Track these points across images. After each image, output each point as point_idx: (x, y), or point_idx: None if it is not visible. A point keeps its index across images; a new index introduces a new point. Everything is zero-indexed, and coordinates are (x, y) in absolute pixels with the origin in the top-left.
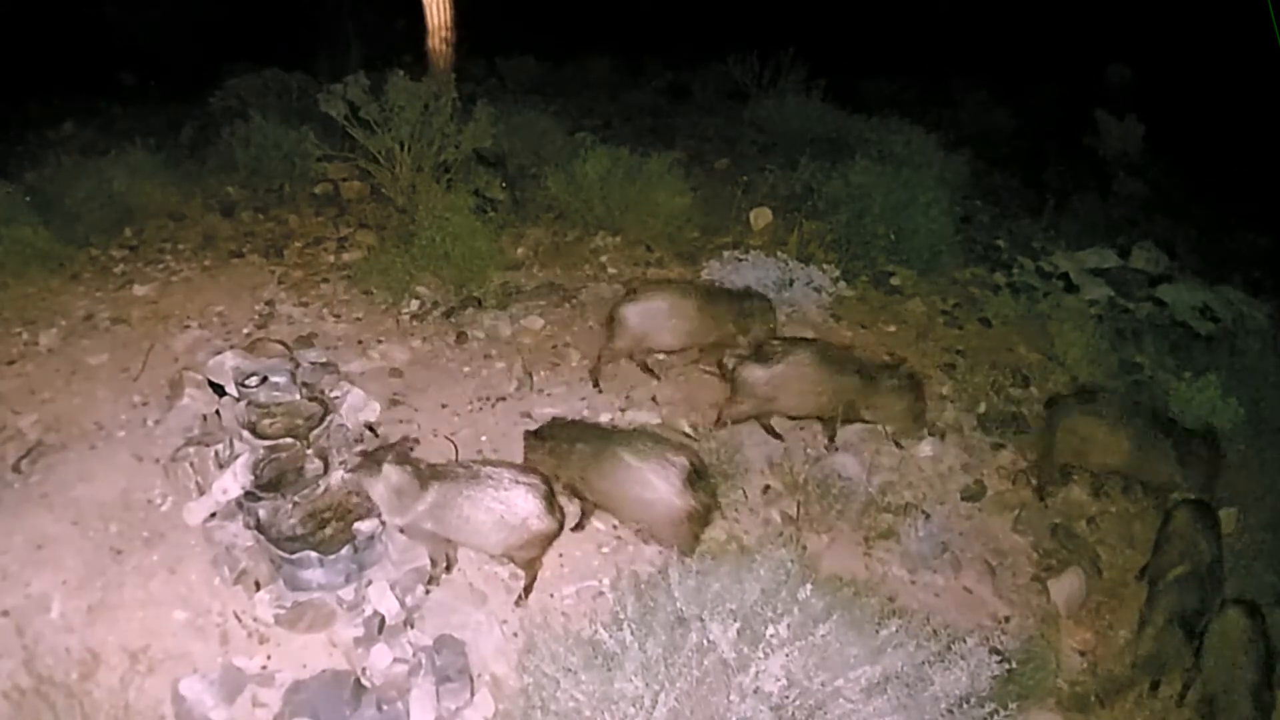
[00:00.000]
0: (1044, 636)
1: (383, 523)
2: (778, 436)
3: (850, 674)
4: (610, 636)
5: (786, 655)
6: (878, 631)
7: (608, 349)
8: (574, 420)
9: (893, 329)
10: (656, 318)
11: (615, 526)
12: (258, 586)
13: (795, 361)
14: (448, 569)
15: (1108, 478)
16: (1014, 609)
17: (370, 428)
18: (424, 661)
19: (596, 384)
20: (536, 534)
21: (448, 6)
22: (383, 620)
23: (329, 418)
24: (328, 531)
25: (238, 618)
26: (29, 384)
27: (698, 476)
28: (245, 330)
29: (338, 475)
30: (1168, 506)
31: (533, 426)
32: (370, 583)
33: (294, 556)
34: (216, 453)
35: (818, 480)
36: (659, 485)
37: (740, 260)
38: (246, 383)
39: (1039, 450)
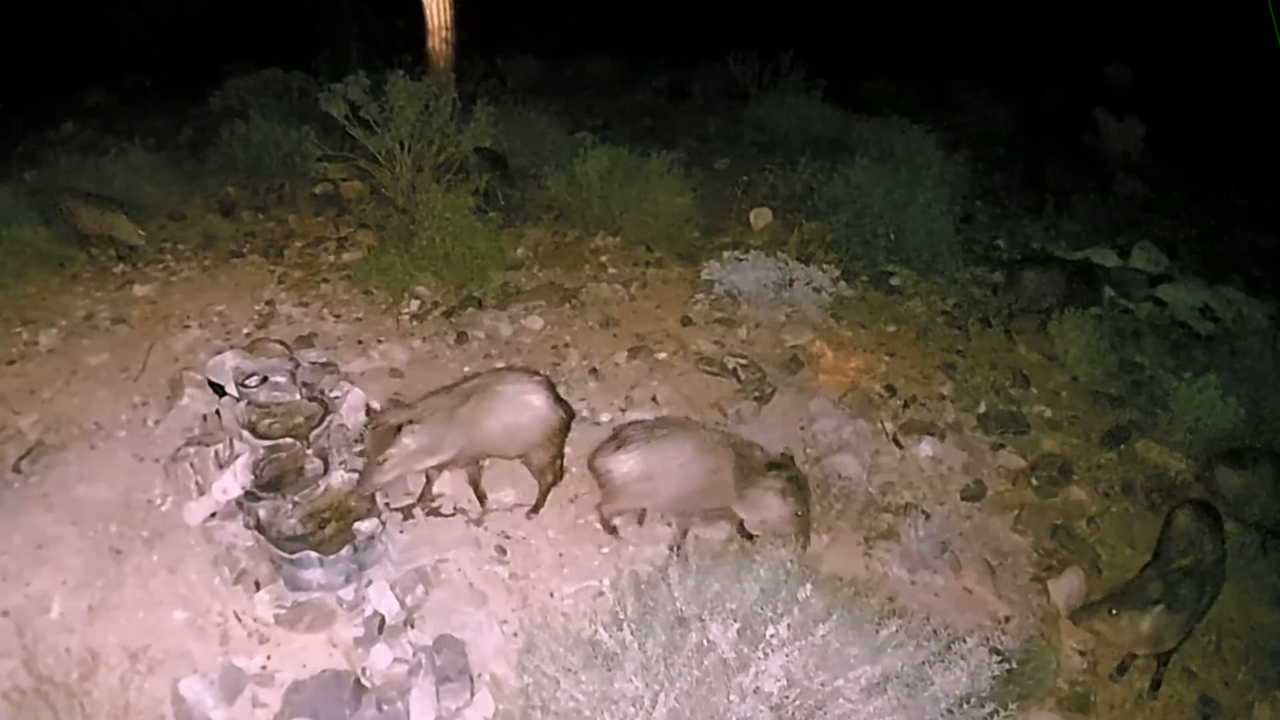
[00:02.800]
0: (1044, 636)
1: (383, 523)
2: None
3: (850, 674)
4: (610, 636)
5: (786, 655)
6: (878, 631)
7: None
8: (418, 400)
9: (893, 329)
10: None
11: (615, 526)
12: (258, 586)
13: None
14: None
15: None
16: (1014, 609)
17: None
18: (424, 661)
19: None
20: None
21: (448, 6)
22: (383, 620)
23: (329, 418)
24: (328, 531)
25: (238, 618)
26: (29, 384)
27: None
28: (245, 330)
29: (338, 475)
30: (1170, 507)
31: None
32: (370, 583)
33: (294, 556)
34: (216, 453)
35: (818, 480)
36: (534, 400)
37: (740, 260)
38: (246, 383)
39: None
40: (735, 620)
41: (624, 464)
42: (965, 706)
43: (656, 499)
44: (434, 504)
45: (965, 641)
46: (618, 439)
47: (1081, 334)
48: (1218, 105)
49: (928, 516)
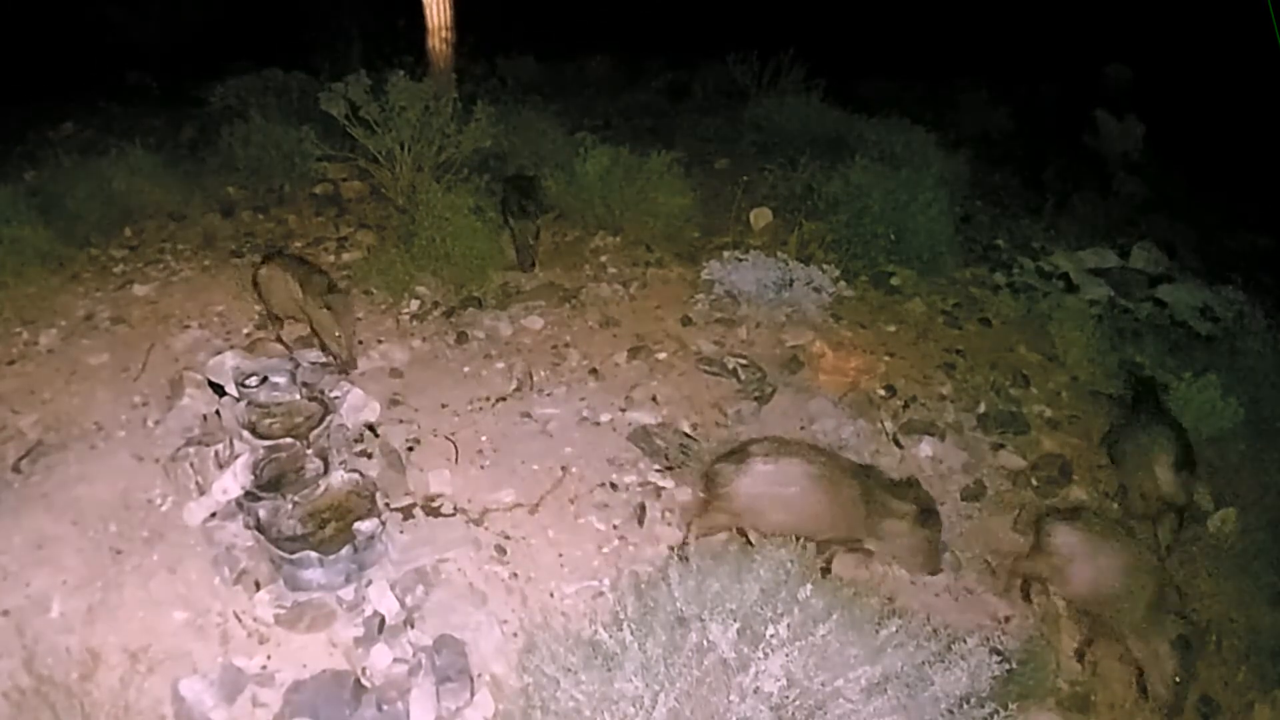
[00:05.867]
0: (1044, 636)
1: (383, 523)
2: None
3: (850, 674)
4: (610, 636)
5: (786, 655)
6: (878, 631)
7: None
8: None
9: (893, 329)
10: None
11: (615, 526)
12: (258, 586)
13: None
14: None
15: None
16: (1014, 609)
17: (370, 428)
18: (424, 661)
19: None
20: None
21: (448, 6)
22: (383, 620)
23: (329, 418)
24: (328, 531)
25: (238, 618)
26: (29, 384)
27: None
28: (245, 330)
29: (338, 475)
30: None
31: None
32: (370, 583)
33: (294, 556)
34: (216, 453)
35: None
36: None
37: (740, 260)
38: (246, 383)
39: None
40: (735, 620)
41: (1068, 537)
42: (965, 706)
43: (1069, 587)
44: (434, 504)
45: (965, 641)
46: (1070, 511)
47: (1081, 334)
48: (1218, 105)
49: None
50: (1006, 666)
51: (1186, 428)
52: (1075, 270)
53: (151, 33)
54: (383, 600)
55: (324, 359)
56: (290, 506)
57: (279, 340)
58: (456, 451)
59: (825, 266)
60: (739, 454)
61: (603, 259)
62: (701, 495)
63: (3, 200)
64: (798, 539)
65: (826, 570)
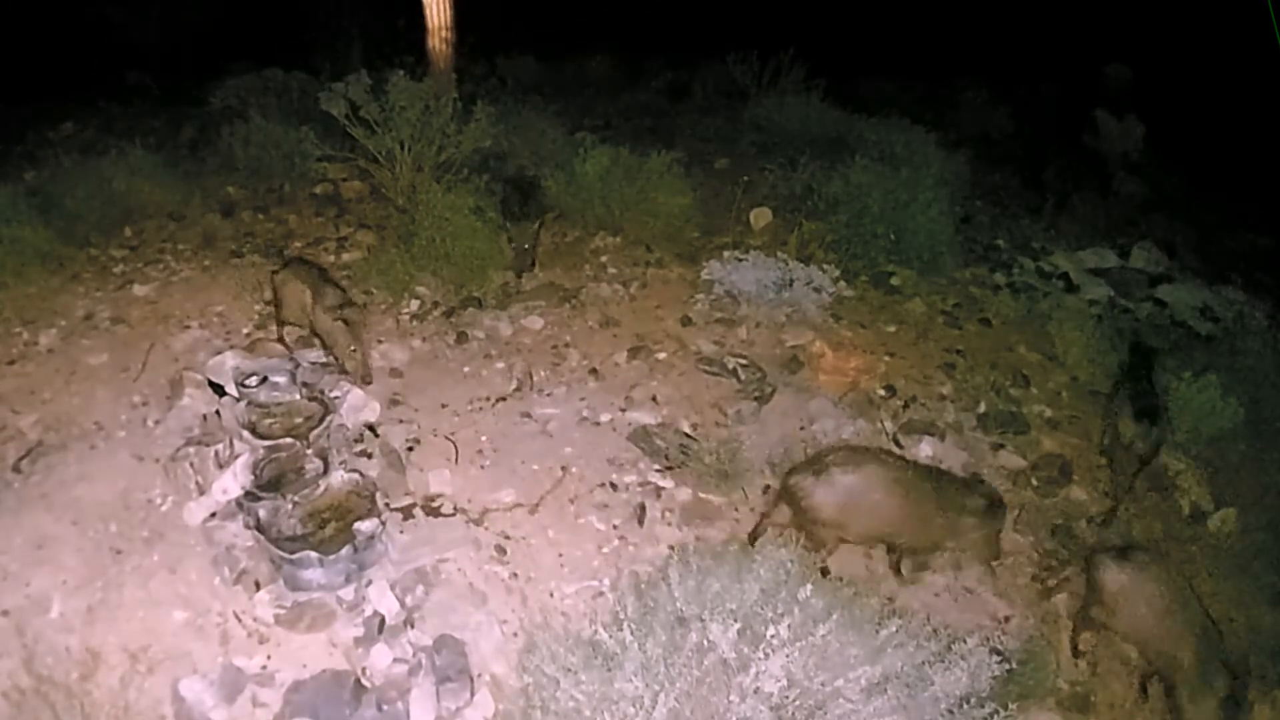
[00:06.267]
0: (1044, 636)
1: (383, 523)
2: None
3: (850, 674)
4: (610, 636)
5: (786, 655)
6: (878, 631)
7: None
8: None
9: (893, 329)
10: None
11: (615, 526)
12: (258, 586)
13: None
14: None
15: None
16: (1014, 609)
17: (370, 428)
18: (424, 661)
19: None
20: None
21: (448, 6)
22: (383, 620)
23: (329, 418)
24: (328, 531)
25: (238, 618)
26: (29, 384)
27: None
28: (245, 330)
29: (338, 475)
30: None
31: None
32: (370, 583)
33: (294, 556)
34: (216, 453)
35: None
36: None
37: (740, 260)
38: (246, 383)
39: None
40: (735, 620)
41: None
42: (965, 706)
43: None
44: (434, 504)
45: (965, 641)
46: (1120, 550)
47: (1081, 334)
48: (1218, 105)
49: None
50: (1006, 666)
51: (1187, 427)
52: (1075, 270)
53: (151, 33)
54: (383, 600)
55: (324, 359)
56: (290, 506)
57: (279, 340)
58: (456, 451)
59: (825, 266)
60: (815, 465)
61: (603, 259)
62: (787, 510)
63: (3, 200)
64: (796, 539)
65: (924, 567)
